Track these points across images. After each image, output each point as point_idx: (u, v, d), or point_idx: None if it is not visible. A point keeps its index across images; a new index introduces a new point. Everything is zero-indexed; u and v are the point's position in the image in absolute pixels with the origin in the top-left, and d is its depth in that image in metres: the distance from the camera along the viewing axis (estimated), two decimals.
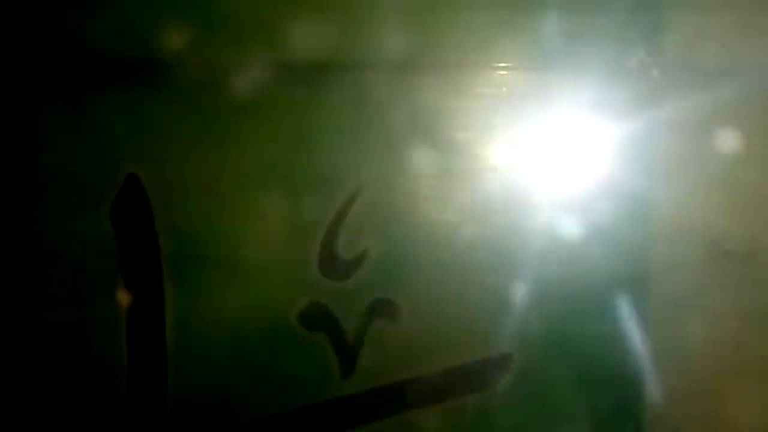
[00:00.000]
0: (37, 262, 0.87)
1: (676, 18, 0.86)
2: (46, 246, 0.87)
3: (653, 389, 0.86)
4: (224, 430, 0.88)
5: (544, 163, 0.87)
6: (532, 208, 0.86)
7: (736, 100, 0.84)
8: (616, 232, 0.85)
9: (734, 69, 0.86)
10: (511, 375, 0.87)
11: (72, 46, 0.87)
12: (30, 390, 0.88)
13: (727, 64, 0.86)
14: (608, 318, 0.86)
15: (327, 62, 0.86)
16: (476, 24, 0.87)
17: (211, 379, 0.88)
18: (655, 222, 0.86)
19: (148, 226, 0.87)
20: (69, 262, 0.87)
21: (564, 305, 0.86)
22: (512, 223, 0.86)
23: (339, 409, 0.87)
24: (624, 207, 0.86)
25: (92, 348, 0.87)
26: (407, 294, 0.87)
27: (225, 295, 0.87)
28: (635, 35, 0.86)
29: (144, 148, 0.87)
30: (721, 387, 0.87)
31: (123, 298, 0.86)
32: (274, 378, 0.88)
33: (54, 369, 0.88)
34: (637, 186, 0.86)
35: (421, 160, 0.87)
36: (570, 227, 0.85)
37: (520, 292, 0.85)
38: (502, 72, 0.87)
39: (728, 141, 0.84)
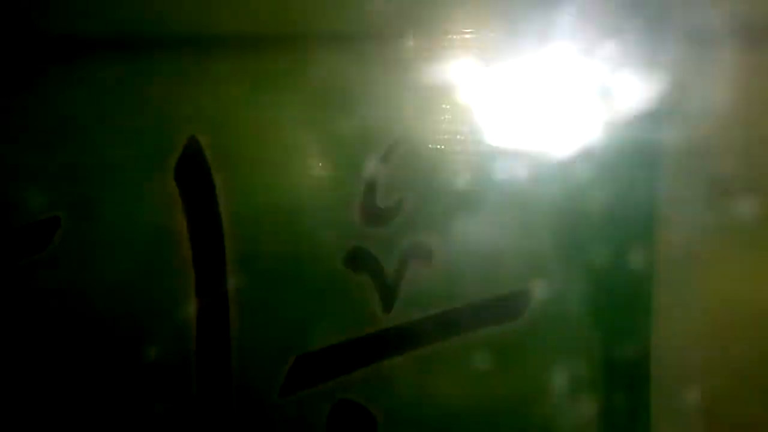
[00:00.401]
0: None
1: None
2: None
3: (660, 327, 0.90)
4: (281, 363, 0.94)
5: (559, 112, 0.89)
6: (547, 154, 0.89)
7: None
8: (623, 175, 0.89)
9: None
10: (531, 308, 0.92)
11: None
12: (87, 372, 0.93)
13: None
14: (619, 253, 0.90)
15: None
16: None
17: (269, 313, 0.94)
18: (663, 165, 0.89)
19: (209, 187, 0.91)
20: None
21: (578, 244, 0.90)
22: (532, 172, 0.89)
23: (380, 340, 0.94)
24: (630, 153, 0.88)
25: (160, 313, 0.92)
26: (439, 239, 0.92)
27: (284, 240, 0.93)
28: None
29: None
30: (728, 325, 0.91)
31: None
32: (322, 315, 0.94)
33: (119, 345, 0.92)
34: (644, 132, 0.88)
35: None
36: (582, 172, 0.88)
37: (538, 236, 0.91)
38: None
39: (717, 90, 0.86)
